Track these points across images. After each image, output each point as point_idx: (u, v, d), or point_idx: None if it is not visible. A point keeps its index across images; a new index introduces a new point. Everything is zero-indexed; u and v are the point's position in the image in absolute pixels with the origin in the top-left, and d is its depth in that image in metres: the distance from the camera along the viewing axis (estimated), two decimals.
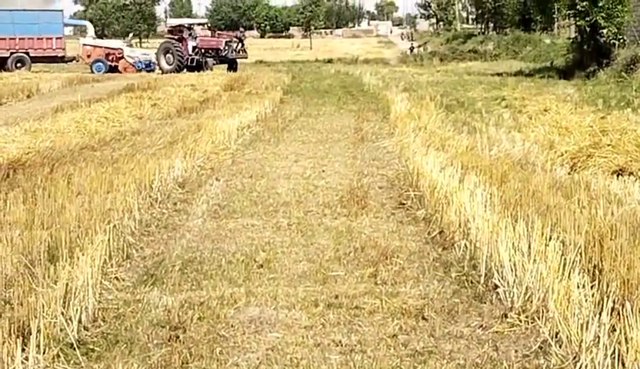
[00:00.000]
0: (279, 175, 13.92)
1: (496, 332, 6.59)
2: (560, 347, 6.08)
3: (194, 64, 47.98)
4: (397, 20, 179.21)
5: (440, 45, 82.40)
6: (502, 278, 7.36)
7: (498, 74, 42.00)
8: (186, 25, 51.50)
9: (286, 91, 32.85)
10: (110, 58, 51.49)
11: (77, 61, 53.31)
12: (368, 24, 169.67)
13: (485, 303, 7.23)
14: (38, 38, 51.33)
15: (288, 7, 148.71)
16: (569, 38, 45.03)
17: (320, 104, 27.24)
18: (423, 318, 6.89)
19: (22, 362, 5.62)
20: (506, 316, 6.85)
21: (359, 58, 67.26)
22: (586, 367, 5.70)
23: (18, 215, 9.71)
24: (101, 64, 50.79)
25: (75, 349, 6.12)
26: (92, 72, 49.16)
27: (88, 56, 52.13)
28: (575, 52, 40.32)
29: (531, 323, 6.64)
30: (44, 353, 5.87)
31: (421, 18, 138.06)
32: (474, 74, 43.67)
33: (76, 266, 7.12)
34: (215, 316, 6.93)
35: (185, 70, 47.41)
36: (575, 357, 5.89)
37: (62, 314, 6.45)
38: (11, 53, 51.05)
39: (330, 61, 65.14)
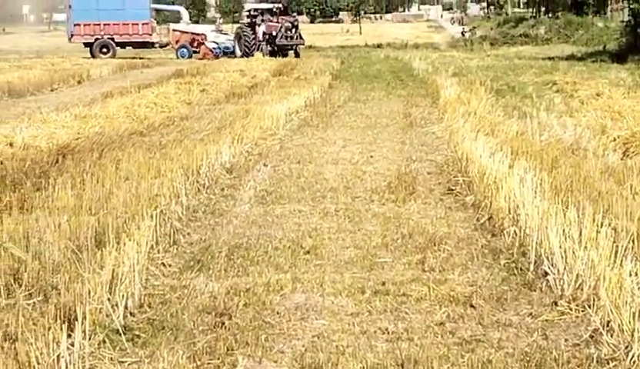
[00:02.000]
0: (327, 161, 13.87)
1: (546, 320, 6.49)
2: (611, 336, 5.96)
3: (275, 49, 47.78)
4: (447, 4, 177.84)
5: (490, 30, 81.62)
6: (552, 265, 7.25)
7: (550, 59, 41.56)
8: (260, 10, 51.11)
9: (335, 77, 32.77)
10: (194, 43, 51.39)
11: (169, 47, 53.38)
12: (418, 8, 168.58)
13: (534, 291, 7.12)
14: (124, 24, 51.46)
15: None
16: (622, 22, 44.48)
17: (369, 90, 27.13)
18: (471, 306, 6.80)
19: (68, 348, 5.62)
20: (556, 304, 6.74)
21: (409, 42, 66.87)
22: (638, 356, 5.59)
23: (66, 201, 9.76)
24: (185, 50, 50.82)
25: (120, 335, 6.12)
26: (177, 58, 49.14)
27: (177, 42, 52.11)
28: (629, 36, 39.79)
29: (582, 311, 6.53)
30: (90, 339, 5.87)
31: (471, 2, 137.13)
32: (525, 59, 43.27)
33: (123, 251, 7.13)
34: (261, 302, 6.90)
35: (267, 55, 47.01)
36: (627, 347, 5.77)
37: (108, 299, 6.44)
38: (96, 38, 51.34)
39: (379, 46, 64.86)
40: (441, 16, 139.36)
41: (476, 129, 14.92)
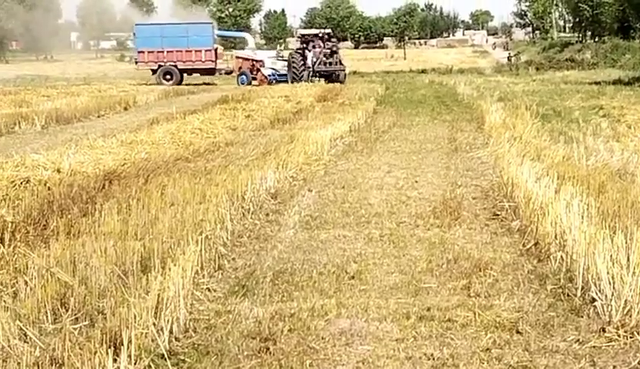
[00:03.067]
0: (372, 186, 13.85)
1: (594, 347, 6.42)
2: None
3: (315, 75, 47.84)
4: (492, 29, 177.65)
5: (536, 54, 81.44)
6: (600, 291, 7.17)
7: (596, 83, 41.28)
8: (309, 36, 51.13)
9: (379, 102, 32.78)
10: (254, 70, 51.67)
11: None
12: (463, 33, 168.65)
13: (581, 316, 7.05)
14: (187, 51, 51.90)
15: (382, 17, 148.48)
16: None
17: (413, 115, 27.10)
18: (517, 332, 6.75)
19: None
20: (604, 330, 6.66)
21: (453, 67, 66.83)
22: None
23: (112, 226, 9.82)
24: (244, 76, 50.80)
25: (165, 360, 6.14)
26: (238, 84, 49.35)
27: (240, 68, 52.27)
28: None
29: (631, 338, 6.45)
30: (135, 363, 5.90)
31: (516, 27, 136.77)
32: (571, 83, 43.01)
33: (168, 276, 7.16)
34: (306, 328, 6.89)
35: (318, 79, 47.27)
36: None
37: (154, 324, 6.48)
38: (159, 66, 51.89)
39: (424, 71, 64.89)
40: (486, 41, 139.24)
41: (522, 154, 14.85)
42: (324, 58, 48.75)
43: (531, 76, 53.61)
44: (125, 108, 32.06)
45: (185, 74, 52.48)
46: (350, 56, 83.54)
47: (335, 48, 50.16)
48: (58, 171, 14.33)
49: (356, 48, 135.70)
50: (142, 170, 14.48)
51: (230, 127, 22.75)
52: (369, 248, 9.61)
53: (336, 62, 49.04)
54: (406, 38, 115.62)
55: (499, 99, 30.06)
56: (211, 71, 53.15)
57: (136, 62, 53.72)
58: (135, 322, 6.38)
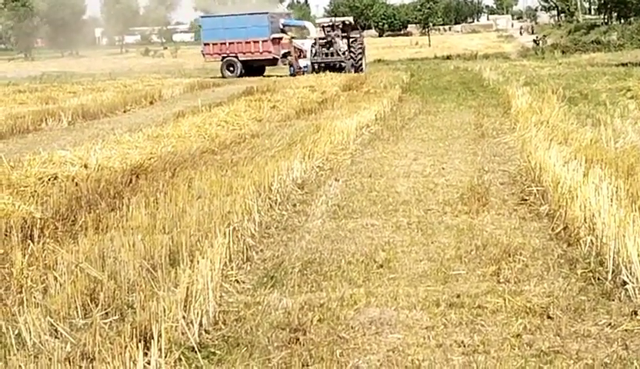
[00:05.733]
0: (398, 174, 13.82)
1: (625, 330, 6.37)
2: None
3: (314, 67, 47.56)
4: (517, 13, 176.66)
5: (561, 37, 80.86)
6: (631, 274, 7.12)
7: (623, 65, 40.99)
8: (331, 24, 50.28)
9: (405, 89, 32.71)
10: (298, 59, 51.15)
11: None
12: (487, 18, 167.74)
13: (613, 300, 7.00)
14: (246, 42, 51.79)
15: (406, 4, 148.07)
16: None
17: (439, 101, 27.02)
18: (548, 317, 6.71)
19: (145, 366, 5.67)
20: (636, 313, 6.62)
21: (478, 53, 66.51)
22: None
23: (140, 220, 9.86)
24: (292, 66, 50.42)
25: (196, 352, 6.15)
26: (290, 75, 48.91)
27: (297, 58, 51.81)
28: None
29: None
30: (166, 356, 5.91)
31: (541, 10, 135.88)
32: (597, 66, 42.74)
33: (197, 269, 7.17)
34: (335, 317, 6.89)
35: (313, 71, 46.98)
36: None
37: (183, 317, 6.49)
38: (223, 57, 52.06)
39: (449, 57, 64.64)
40: (512, 25, 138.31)
41: (549, 138, 14.77)
42: (321, 49, 48.24)
43: (557, 59, 53.31)
44: (151, 103, 32.15)
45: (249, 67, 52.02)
46: (374, 44, 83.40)
47: (355, 37, 49.52)
48: (86, 166, 14.41)
49: (380, 36, 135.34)
50: (169, 163, 14.53)
51: (255, 119, 22.77)
52: (397, 236, 9.59)
53: (337, 52, 48.08)
54: (430, 24, 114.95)
55: (525, 83, 29.91)
56: (272, 62, 52.58)
57: (203, 55, 53.80)
58: (165, 316, 6.40)
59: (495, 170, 13.71)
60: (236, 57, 51.80)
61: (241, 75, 50.59)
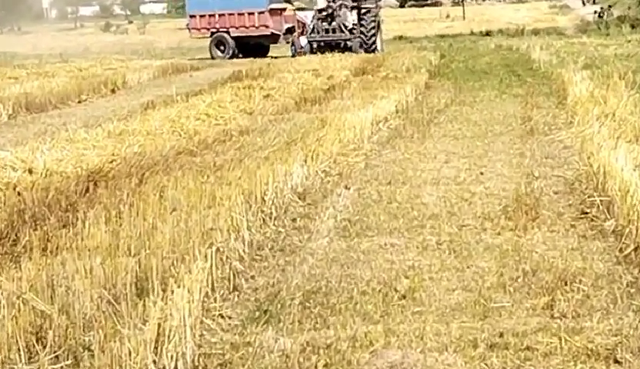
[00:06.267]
0: (425, 180, 13.83)
1: None
2: None
3: (312, 48, 47.25)
4: None
5: (629, 8, 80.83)
6: None
7: None
8: None
9: (433, 74, 32.73)
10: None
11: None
12: None
13: None
14: (239, 14, 51.25)
15: None
16: None
17: (476, 89, 27.04)
18: (615, 361, 6.72)
19: None
20: None
21: (526, 27, 66.57)
22: None
23: (99, 239, 9.85)
24: (294, 45, 49.24)
25: None
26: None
27: (300, 33, 50.77)
28: None
29: None
30: None
31: None
32: None
33: (171, 301, 7.17)
34: (346, 362, 6.89)
35: (311, 52, 46.37)
36: None
37: (154, 362, 6.50)
38: (212, 33, 51.80)
39: (488, 33, 64.70)
40: None
41: (616, 135, 14.76)
42: (320, 23, 47.41)
43: (625, 36, 53.30)
44: (113, 91, 32.17)
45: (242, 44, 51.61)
46: (394, 17, 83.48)
47: (368, 8, 48.85)
48: (30, 171, 14.41)
49: (402, 6, 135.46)
50: (135, 167, 14.53)
51: (244, 111, 22.78)
52: (424, 259, 9.60)
53: (341, 26, 47.26)
54: None
55: (585, 66, 29.90)
56: (271, 39, 52.01)
57: (189, 30, 53.53)
58: (131, 360, 6.40)
59: (547, 175, 13.72)
60: (227, 32, 51.31)
61: (233, 56, 50.41)
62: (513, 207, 11.46)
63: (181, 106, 23.42)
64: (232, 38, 51.39)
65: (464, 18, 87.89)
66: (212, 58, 50.06)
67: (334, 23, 47.79)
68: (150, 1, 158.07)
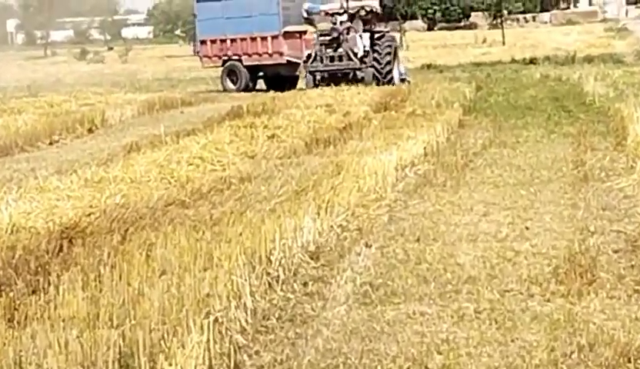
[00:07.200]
0: (460, 237, 13.82)
1: None
2: None
3: (315, 80, 45.42)
4: None
5: None
6: None
7: None
8: (332, 11, 47.61)
9: (468, 110, 32.75)
10: None
11: None
12: (590, 3, 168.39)
13: None
14: (251, 38, 50.36)
15: None
16: None
17: (520, 127, 27.03)
18: None
19: None
20: None
21: (577, 54, 66.58)
22: None
23: (75, 307, 9.85)
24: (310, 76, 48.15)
25: None
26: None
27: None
28: None
29: None
30: None
31: None
32: None
33: None
34: None
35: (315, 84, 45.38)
36: None
37: None
38: (224, 62, 51.11)
39: (533, 61, 64.73)
40: (625, 13, 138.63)
41: None
42: (324, 49, 46.08)
43: None
44: (90, 130, 32.23)
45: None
46: (421, 41, 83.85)
47: (382, 32, 48.28)
48: None
49: (430, 29, 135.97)
50: (117, 222, 14.56)
51: (246, 154, 22.81)
52: (460, 331, 9.58)
53: (349, 53, 46.19)
54: (504, 12, 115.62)
55: None
56: (290, 68, 49.97)
57: (200, 58, 52.76)
58: None
59: (605, 230, 13.70)
60: (240, 60, 50.71)
61: (247, 88, 49.61)
62: (565, 269, 11.42)
63: (171, 148, 23.43)
64: (245, 66, 50.64)
65: (503, 42, 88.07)
66: (224, 89, 49.61)
67: (340, 49, 46.08)
68: (134, 24, 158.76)
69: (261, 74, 51.81)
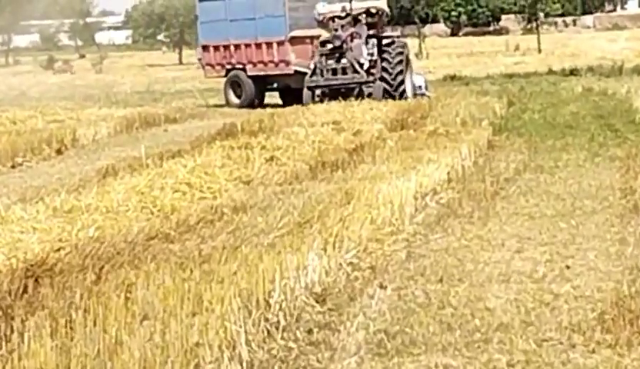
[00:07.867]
0: (490, 277, 13.84)
1: None
2: None
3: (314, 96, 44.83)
4: None
5: None
6: None
7: None
8: (332, 15, 47.06)
9: (498, 128, 32.77)
10: None
11: None
12: None
13: None
14: (256, 45, 50.06)
15: None
16: None
17: (558, 149, 27.07)
18: None
19: None
20: None
21: (625, 64, 66.70)
22: None
23: (43, 358, 9.86)
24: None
25: None
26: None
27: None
28: None
29: None
30: None
31: None
32: None
33: None
34: None
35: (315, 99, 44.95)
36: None
37: None
38: (227, 72, 50.88)
39: (573, 72, 64.83)
40: None
41: None
42: (325, 61, 45.34)
43: None
44: (59, 151, 32.25)
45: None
46: (444, 49, 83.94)
47: (391, 38, 47.88)
48: None
49: (454, 34, 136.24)
50: (91, 258, 14.58)
51: (240, 180, 22.83)
52: None
53: (353, 63, 45.46)
54: (540, 15, 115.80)
55: None
56: (299, 79, 48.27)
57: (203, 66, 52.67)
58: None
59: None
60: (243, 70, 50.40)
61: (251, 103, 49.23)
62: (612, 315, 11.44)
63: (153, 173, 23.44)
64: (249, 77, 50.28)
65: (539, 50, 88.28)
66: (227, 103, 49.35)
67: (344, 60, 45.53)
68: (109, 28, 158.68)
69: (274, 86, 51.65)
